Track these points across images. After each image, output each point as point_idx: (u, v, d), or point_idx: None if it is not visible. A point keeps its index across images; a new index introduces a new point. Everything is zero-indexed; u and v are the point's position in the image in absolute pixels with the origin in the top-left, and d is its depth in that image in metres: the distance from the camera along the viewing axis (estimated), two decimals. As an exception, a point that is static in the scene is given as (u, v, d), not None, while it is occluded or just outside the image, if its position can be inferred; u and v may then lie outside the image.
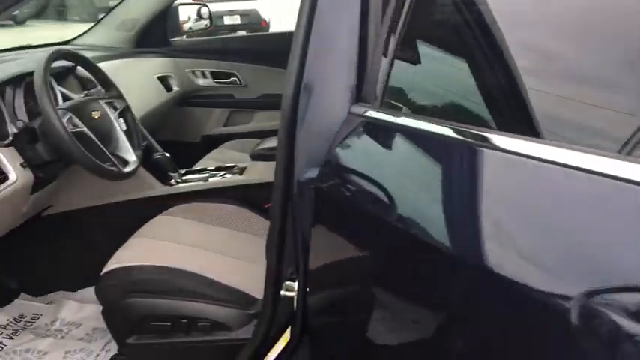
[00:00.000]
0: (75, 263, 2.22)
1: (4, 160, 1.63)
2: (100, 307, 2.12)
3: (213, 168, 2.23)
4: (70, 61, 1.86)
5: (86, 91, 2.03)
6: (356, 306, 1.11)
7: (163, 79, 2.75)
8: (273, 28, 7.52)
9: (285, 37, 3.10)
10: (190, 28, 2.97)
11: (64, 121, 1.61)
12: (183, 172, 2.21)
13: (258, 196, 2.10)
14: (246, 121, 2.97)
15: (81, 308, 2.15)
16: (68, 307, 2.15)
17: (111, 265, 1.69)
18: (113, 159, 1.74)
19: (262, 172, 2.09)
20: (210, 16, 3.02)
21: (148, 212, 2.10)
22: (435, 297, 0.83)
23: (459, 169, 0.86)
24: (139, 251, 1.75)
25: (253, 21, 7.45)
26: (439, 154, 0.91)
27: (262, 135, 2.84)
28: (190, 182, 2.13)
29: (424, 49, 1.12)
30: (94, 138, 1.69)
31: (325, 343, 1.29)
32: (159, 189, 2.12)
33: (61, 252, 2.20)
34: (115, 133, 1.83)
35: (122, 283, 1.62)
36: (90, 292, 2.22)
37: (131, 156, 1.84)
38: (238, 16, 7.32)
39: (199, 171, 2.22)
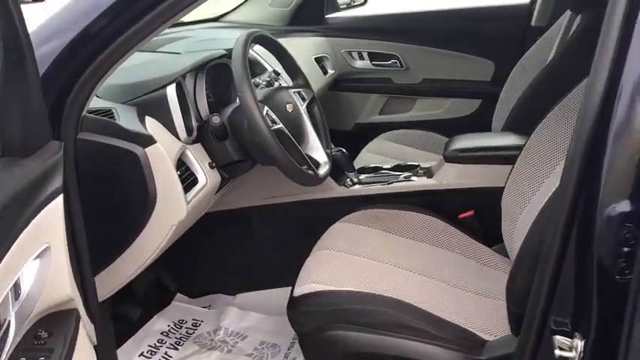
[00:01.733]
0: (236, 265, 2.03)
1: (194, 160, 1.42)
2: (264, 317, 1.92)
3: (390, 167, 1.95)
4: (261, 44, 1.61)
5: (258, 78, 1.80)
6: None
7: (319, 61, 2.49)
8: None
9: (455, 15, 2.83)
10: (350, 3, 2.69)
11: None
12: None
13: (450, 204, 1.82)
14: (405, 110, 2.68)
15: (243, 317, 1.95)
16: (230, 314, 1.96)
17: (308, 285, 1.45)
18: (308, 160, 1.49)
19: (456, 176, 1.79)
20: (366, -9, 2.72)
21: (320, 216, 1.87)
22: None
23: None
24: (336, 270, 1.50)
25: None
26: None
27: (424, 125, 2.56)
28: (370, 184, 1.87)
29: None
30: (292, 137, 1.45)
31: None
32: (335, 190, 1.87)
33: (224, 252, 2.01)
34: (306, 129, 1.58)
35: (328, 310, 1.38)
36: (249, 297, 2.03)
37: (322, 155, 1.59)
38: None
39: (375, 169, 1.95)
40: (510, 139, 1.78)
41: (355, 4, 2.77)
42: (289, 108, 1.51)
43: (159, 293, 2.00)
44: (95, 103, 1.26)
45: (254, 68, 2.00)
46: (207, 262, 2.03)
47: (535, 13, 2.43)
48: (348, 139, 2.41)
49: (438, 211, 1.80)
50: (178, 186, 1.31)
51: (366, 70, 2.65)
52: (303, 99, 1.64)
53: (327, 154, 1.60)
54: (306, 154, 1.51)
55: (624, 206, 0.95)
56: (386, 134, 2.46)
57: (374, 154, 2.28)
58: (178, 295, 2.07)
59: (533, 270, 1.20)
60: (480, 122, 2.48)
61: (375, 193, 1.84)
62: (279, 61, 1.69)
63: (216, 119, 1.43)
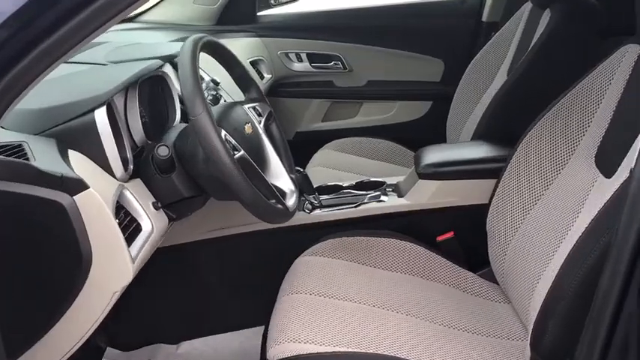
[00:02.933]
0: (178, 309, 1.72)
1: (134, 202, 1.12)
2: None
3: (353, 184, 1.71)
4: (209, 52, 1.31)
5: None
6: None
7: (254, 65, 2.22)
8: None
9: (401, 11, 2.63)
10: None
11: (220, 141, 1.09)
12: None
13: (426, 226, 1.61)
14: (350, 115, 2.45)
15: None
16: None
17: (284, 346, 1.20)
18: (276, 192, 1.23)
19: (433, 195, 1.58)
20: (299, -15, 2.47)
21: (277, 248, 1.61)
22: None
23: None
24: (315, 322, 1.25)
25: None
26: None
27: (372, 132, 2.35)
28: (334, 207, 1.62)
29: None
30: (256, 166, 1.18)
31: None
32: (294, 217, 1.61)
33: (162, 295, 1.70)
34: (267, 153, 1.31)
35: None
36: (196, 345, 1.73)
37: (287, 182, 1.33)
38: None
39: (335, 188, 1.71)
40: (489, 150, 1.61)
41: (284, 1, 2.52)
42: (248, 129, 1.24)
43: (84, 353, 1.66)
44: None
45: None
46: (142, 307, 1.71)
47: (486, 7, 2.28)
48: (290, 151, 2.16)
49: (413, 234, 1.59)
50: (120, 241, 1.01)
51: (306, 73, 2.40)
52: (260, 115, 1.37)
53: (292, 179, 1.34)
54: (272, 184, 1.24)
55: None
56: (333, 143, 2.23)
57: (325, 167, 2.04)
58: (109, 350, 1.73)
59: (570, 317, 1.02)
60: (432, 126, 2.32)
61: (340, 218, 1.61)
62: (228, 70, 1.40)
63: (163, 150, 1.13)
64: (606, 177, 1.16)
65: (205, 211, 1.49)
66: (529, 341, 1.12)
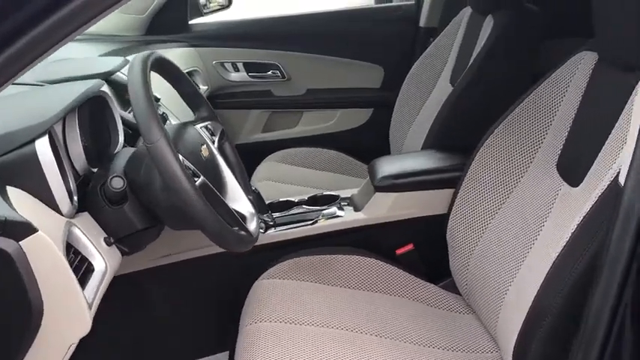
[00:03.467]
0: (124, 345, 1.59)
1: (84, 240, 1.01)
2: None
3: (306, 199, 1.66)
4: (157, 69, 1.21)
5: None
6: None
7: (189, 76, 2.10)
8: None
9: (338, 17, 2.58)
10: (205, 6, 2.31)
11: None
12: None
13: (385, 239, 1.58)
14: (291, 125, 2.39)
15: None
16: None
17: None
18: (238, 217, 1.15)
19: (391, 207, 1.55)
20: (231, -9, 2.38)
21: (231, 272, 1.53)
22: None
23: None
24: (285, 354, 1.18)
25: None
26: None
27: (314, 141, 2.30)
28: (289, 225, 1.56)
29: None
30: (217, 191, 1.10)
31: None
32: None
33: (110, 330, 1.57)
34: (224, 175, 1.23)
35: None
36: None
37: (246, 205, 1.25)
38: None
39: (287, 205, 1.65)
40: (444, 160, 1.59)
41: (216, 7, 2.42)
42: (204, 151, 1.16)
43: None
44: None
45: (122, 93, 1.59)
46: (94, 342, 1.58)
47: (423, 13, 2.28)
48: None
49: (372, 248, 1.55)
50: (74, 287, 0.90)
51: (243, 82, 2.32)
52: (213, 134, 1.29)
53: (250, 201, 1.27)
54: (232, 209, 1.16)
55: None
56: (276, 155, 2.17)
57: (271, 181, 1.97)
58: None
59: (556, 335, 1.00)
60: (374, 133, 2.30)
61: (296, 237, 1.54)
62: (177, 88, 1.30)
63: (117, 182, 1.03)
64: (572, 186, 1.16)
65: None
66: (512, 357, 1.10)
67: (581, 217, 0.98)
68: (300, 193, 1.70)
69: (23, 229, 0.85)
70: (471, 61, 1.68)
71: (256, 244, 1.52)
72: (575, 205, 1.09)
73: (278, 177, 2.00)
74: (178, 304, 1.57)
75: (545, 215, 1.21)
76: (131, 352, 1.59)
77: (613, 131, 1.05)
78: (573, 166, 1.18)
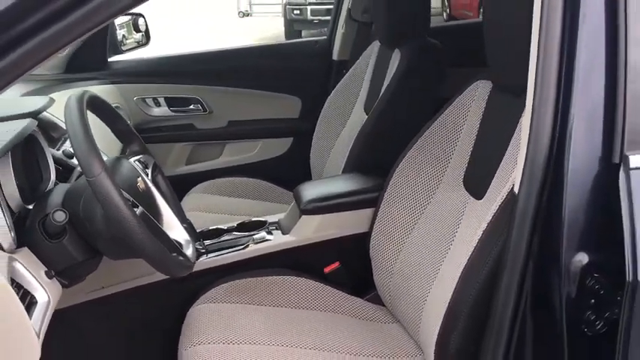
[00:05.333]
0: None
1: (26, 274, 1.04)
2: None
3: (235, 226, 1.73)
4: (92, 108, 1.25)
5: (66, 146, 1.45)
6: None
7: (112, 112, 2.14)
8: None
9: (256, 52, 2.68)
10: (121, 43, 2.35)
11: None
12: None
13: (313, 259, 1.67)
14: (214, 156, 2.45)
15: None
16: None
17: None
18: (175, 244, 1.21)
19: (317, 229, 1.65)
20: (147, 30, 2.43)
21: (168, 299, 1.57)
22: None
23: None
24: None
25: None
26: None
27: (238, 171, 2.38)
28: (221, 251, 1.62)
29: None
30: (154, 220, 1.16)
31: None
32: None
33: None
34: (159, 206, 1.29)
35: None
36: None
37: (181, 233, 1.31)
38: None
39: (217, 232, 1.71)
40: (363, 182, 1.71)
41: (133, 45, 2.46)
42: (140, 184, 1.21)
43: None
44: None
45: (49, 131, 1.62)
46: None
47: (336, 47, 2.43)
48: None
49: (302, 268, 1.64)
50: (24, 318, 0.93)
51: (165, 117, 2.37)
52: (146, 167, 1.34)
53: (185, 229, 1.33)
54: (169, 237, 1.22)
55: (588, 256, 0.91)
56: (200, 186, 2.22)
57: (199, 212, 2.02)
58: None
59: (471, 334, 1.12)
60: (295, 161, 2.40)
61: (229, 262, 1.61)
62: (109, 124, 1.35)
63: (60, 216, 1.06)
64: (477, 199, 1.31)
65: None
66: (433, 356, 1.21)
67: (486, 225, 1.12)
68: (228, 222, 1.76)
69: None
70: (382, 90, 1.82)
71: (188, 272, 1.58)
72: (480, 215, 1.23)
73: (205, 207, 2.06)
74: (116, 336, 1.59)
75: (456, 226, 1.35)
76: None
77: (508, 149, 1.21)
78: (477, 182, 1.33)
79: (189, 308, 1.50)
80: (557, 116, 0.90)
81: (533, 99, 0.92)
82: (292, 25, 9.92)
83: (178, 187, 2.16)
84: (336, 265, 1.67)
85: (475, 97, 1.41)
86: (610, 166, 0.89)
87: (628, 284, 0.84)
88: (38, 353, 0.95)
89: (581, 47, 0.88)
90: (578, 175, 0.89)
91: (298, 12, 9.73)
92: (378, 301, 1.61)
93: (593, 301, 0.90)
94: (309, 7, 9.51)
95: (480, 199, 1.29)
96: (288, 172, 2.13)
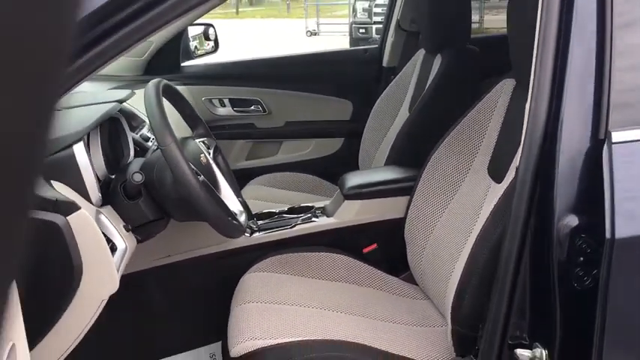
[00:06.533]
0: (128, 343, 1.81)
1: (109, 225, 1.27)
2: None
3: (285, 210, 1.93)
4: (165, 93, 1.50)
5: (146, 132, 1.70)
6: None
7: (183, 110, 2.40)
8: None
9: (312, 59, 2.92)
10: (194, 52, 2.63)
11: (184, 169, 1.28)
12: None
13: (353, 240, 1.85)
14: (272, 153, 2.68)
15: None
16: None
17: (245, 344, 1.37)
18: (230, 211, 1.43)
19: (357, 213, 1.83)
20: (217, 39, 2.70)
21: (224, 269, 1.78)
22: None
23: None
24: (269, 322, 1.44)
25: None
26: None
27: (292, 167, 2.59)
28: (271, 229, 1.83)
29: None
30: (214, 188, 1.38)
31: None
32: (237, 241, 1.79)
33: (110, 330, 1.80)
34: (218, 179, 1.51)
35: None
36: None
37: (236, 204, 1.52)
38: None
39: (269, 215, 1.92)
40: (400, 172, 1.88)
41: (203, 52, 2.73)
42: (203, 159, 1.44)
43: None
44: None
45: (130, 120, 1.87)
46: (87, 345, 1.80)
47: (385, 54, 2.62)
48: None
49: (342, 248, 1.82)
50: (107, 254, 1.16)
51: (229, 116, 2.61)
52: (209, 148, 1.57)
53: (240, 202, 1.54)
54: (226, 205, 1.44)
55: (577, 219, 1.06)
56: (258, 179, 2.45)
57: (255, 200, 2.23)
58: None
59: (481, 291, 1.27)
60: (345, 159, 2.59)
61: (278, 238, 1.81)
62: (179, 109, 1.60)
63: (137, 177, 1.30)
64: (497, 182, 1.46)
65: (149, 241, 1.64)
66: (449, 316, 1.37)
67: (497, 200, 1.27)
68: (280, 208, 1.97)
69: (70, 207, 1.11)
70: (424, 92, 1.99)
71: (243, 245, 1.79)
72: (497, 195, 1.39)
73: (261, 197, 2.27)
74: (175, 301, 1.81)
75: (479, 209, 1.50)
76: (131, 348, 1.81)
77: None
78: (498, 166, 1.48)
79: (243, 275, 1.71)
80: (552, 100, 1.05)
81: (533, 86, 1.08)
82: (358, 44, 10.16)
83: (239, 180, 2.39)
84: (373, 246, 1.84)
85: (502, 94, 1.56)
86: (597, 142, 1.03)
87: (607, 241, 0.98)
88: (116, 283, 1.17)
89: (574, 41, 1.04)
90: (569, 150, 1.04)
91: (363, 31, 9.99)
92: (411, 280, 1.77)
93: (581, 259, 1.04)
94: (374, 27, 9.74)
95: (500, 182, 1.44)
96: (339, 169, 2.32)
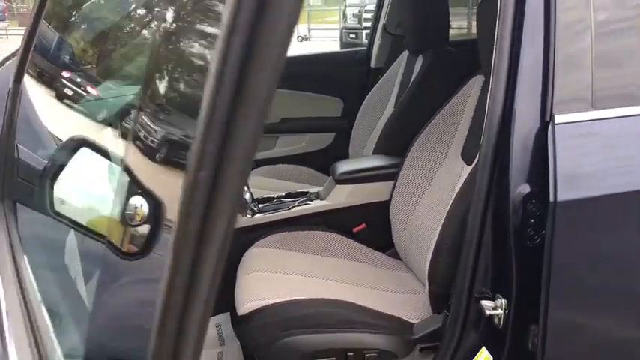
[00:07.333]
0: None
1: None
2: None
3: (283, 195, 2.15)
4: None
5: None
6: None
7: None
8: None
9: (305, 60, 3.13)
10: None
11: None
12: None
13: (344, 221, 2.06)
14: (269, 147, 2.89)
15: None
16: None
17: (250, 304, 1.58)
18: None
19: (348, 196, 2.05)
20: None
21: (231, 247, 1.98)
22: None
23: None
24: (271, 286, 1.65)
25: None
26: None
27: (289, 160, 2.80)
28: (271, 211, 2.04)
29: None
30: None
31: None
32: (240, 221, 2.01)
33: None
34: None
35: (278, 321, 1.52)
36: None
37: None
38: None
39: (268, 199, 2.13)
40: (386, 160, 2.10)
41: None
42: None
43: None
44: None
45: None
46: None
47: (373, 56, 2.85)
48: None
49: (335, 227, 2.03)
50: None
51: (229, 113, 2.82)
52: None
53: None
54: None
55: (528, 187, 1.28)
56: (257, 170, 2.66)
57: (256, 189, 2.44)
58: None
59: (452, 255, 1.49)
60: (336, 153, 2.80)
61: (277, 219, 2.02)
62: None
63: None
64: (469, 165, 1.68)
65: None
66: (427, 279, 1.58)
67: (466, 177, 1.49)
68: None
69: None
70: (407, 89, 2.22)
71: (244, 225, 2.00)
72: (467, 174, 1.61)
73: (260, 186, 2.48)
74: None
75: (454, 189, 1.72)
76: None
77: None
78: (470, 150, 1.70)
79: (246, 251, 1.92)
80: (508, 90, 1.27)
81: (492, 78, 1.30)
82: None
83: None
84: (362, 226, 2.06)
85: (473, 87, 1.78)
86: (544, 123, 1.25)
87: (550, 204, 1.20)
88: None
89: (525, 41, 1.26)
90: (522, 130, 1.26)
91: (354, 36, 10.23)
92: (395, 255, 1.98)
93: (532, 221, 1.26)
94: (364, 32, 9.98)
95: (471, 165, 1.66)
96: (331, 161, 2.53)
